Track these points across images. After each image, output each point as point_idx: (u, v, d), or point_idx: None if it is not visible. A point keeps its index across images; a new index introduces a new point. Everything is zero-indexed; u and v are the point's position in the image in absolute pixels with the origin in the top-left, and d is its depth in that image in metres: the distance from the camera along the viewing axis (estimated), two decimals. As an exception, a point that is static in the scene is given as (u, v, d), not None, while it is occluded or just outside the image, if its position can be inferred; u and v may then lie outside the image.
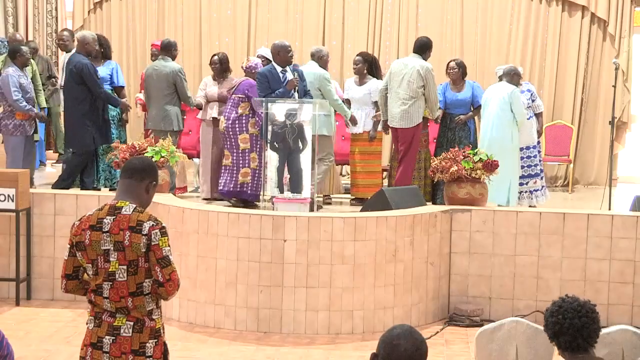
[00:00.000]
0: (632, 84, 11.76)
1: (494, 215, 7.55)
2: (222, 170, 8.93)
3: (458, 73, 9.36)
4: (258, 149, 8.81)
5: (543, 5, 11.93)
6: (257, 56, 9.73)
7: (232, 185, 8.75)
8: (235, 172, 8.80)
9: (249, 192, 8.78)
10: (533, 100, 9.58)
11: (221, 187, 8.84)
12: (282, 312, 6.94)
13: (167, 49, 9.21)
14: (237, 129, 8.81)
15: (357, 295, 6.97)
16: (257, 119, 8.79)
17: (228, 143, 8.84)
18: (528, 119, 9.37)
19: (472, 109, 9.40)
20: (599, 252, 7.41)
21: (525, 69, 11.39)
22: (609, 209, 8.47)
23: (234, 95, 8.89)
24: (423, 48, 8.84)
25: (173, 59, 9.19)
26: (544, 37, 11.94)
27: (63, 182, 8.74)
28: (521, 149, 9.23)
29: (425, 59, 8.80)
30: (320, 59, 9.20)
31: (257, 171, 8.77)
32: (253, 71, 8.99)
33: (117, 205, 3.80)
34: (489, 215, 7.55)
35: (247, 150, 8.80)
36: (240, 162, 8.81)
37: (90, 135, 8.72)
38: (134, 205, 3.80)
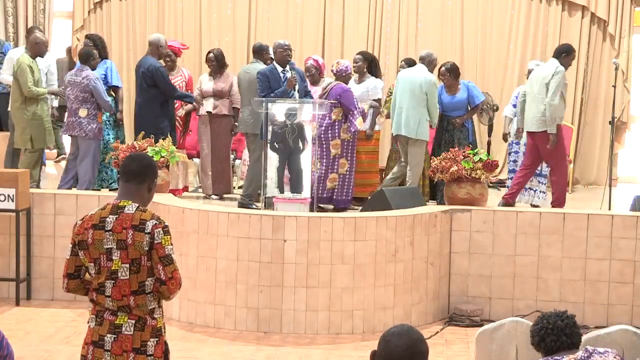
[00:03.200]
0: (632, 84, 11.76)
1: (494, 215, 7.55)
2: (312, 177, 8.90)
3: (450, 78, 9.33)
4: (349, 154, 8.81)
5: (543, 5, 11.93)
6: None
7: (320, 192, 8.74)
8: (323, 178, 8.79)
9: (337, 197, 8.80)
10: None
11: (339, 197, 8.84)
12: (282, 312, 6.94)
13: (259, 52, 9.17)
14: (330, 135, 8.79)
15: (357, 295, 6.97)
16: (349, 124, 8.78)
17: (319, 149, 8.75)
18: None
19: (469, 109, 9.38)
20: (599, 252, 7.41)
21: (525, 68, 11.37)
22: (609, 209, 8.47)
23: (326, 101, 8.85)
24: (560, 52, 8.60)
25: (265, 63, 9.12)
26: (544, 37, 11.94)
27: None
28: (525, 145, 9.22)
29: (563, 64, 8.50)
30: (430, 64, 9.05)
31: (345, 176, 8.77)
32: (344, 74, 8.96)
33: (119, 205, 3.81)
34: (489, 215, 7.55)
35: (337, 156, 8.80)
36: (330, 168, 8.80)
37: (163, 138, 8.70)
38: (137, 205, 3.81)
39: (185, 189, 9.47)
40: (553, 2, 11.88)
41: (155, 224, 3.77)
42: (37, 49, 9.10)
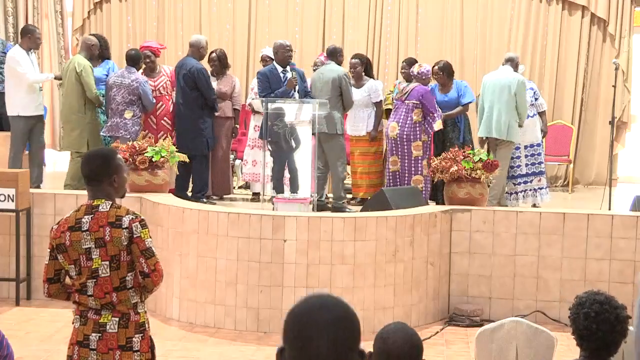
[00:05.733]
0: (632, 84, 11.75)
1: (494, 215, 7.55)
2: (388, 177, 8.89)
3: (443, 77, 9.33)
4: (426, 155, 8.81)
5: (543, 5, 11.92)
6: (262, 57, 9.73)
7: None
8: (406, 178, 8.77)
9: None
10: (536, 99, 9.58)
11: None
12: (282, 312, 6.93)
13: (333, 55, 9.12)
14: (412, 137, 8.76)
15: (357, 295, 6.97)
16: (427, 125, 8.79)
17: (399, 150, 8.74)
18: (532, 116, 9.37)
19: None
20: (599, 252, 7.41)
21: (525, 68, 11.37)
22: (609, 209, 8.46)
23: (407, 102, 8.81)
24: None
25: (339, 64, 9.08)
26: (544, 37, 11.93)
27: (200, 193, 8.76)
28: (525, 147, 9.26)
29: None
30: (518, 65, 9.10)
31: (428, 177, 8.76)
32: (424, 77, 8.94)
33: (93, 204, 3.83)
34: (489, 215, 7.55)
35: (419, 158, 8.79)
36: (413, 169, 8.79)
37: (205, 140, 8.67)
38: (110, 202, 3.83)
39: None
40: (553, 2, 11.87)
41: (132, 218, 3.80)
42: (92, 51, 9.15)
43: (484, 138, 9.01)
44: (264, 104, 8.27)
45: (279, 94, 8.44)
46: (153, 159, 7.75)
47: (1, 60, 10.66)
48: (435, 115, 8.80)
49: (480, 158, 7.73)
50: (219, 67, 9.45)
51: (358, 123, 9.41)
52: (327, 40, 12.30)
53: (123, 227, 3.77)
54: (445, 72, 9.29)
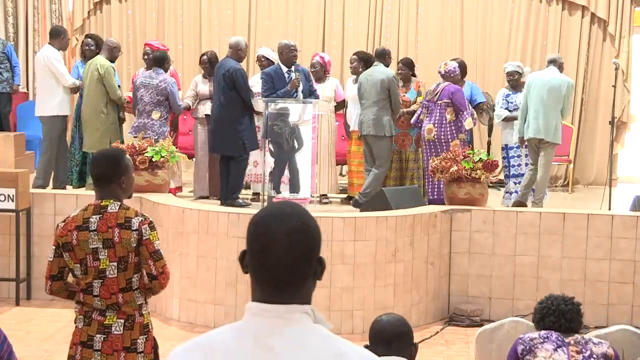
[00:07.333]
0: (632, 84, 11.76)
1: (494, 215, 7.55)
2: (427, 178, 8.83)
3: (457, 77, 9.33)
4: None
5: (543, 5, 11.93)
6: (257, 57, 9.73)
7: (436, 195, 8.76)
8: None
9: None
10: None
11: (431, 197, 8.82)
12: (282, 312, 6.93)
13: (382, 56, 9.11)
14: (449, 136, 8.74)
15: (357, 295, 6.97)
16: (459, 124, 8.79)
17: (438, 152, 8.65)
18: None
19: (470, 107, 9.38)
20: (599, 252, 7.41)
21: (530, 70, 11.37)
22: (609, 209, 8.47)
23: (438, 101, 8.80)
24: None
25: (387, 66, 9.08)
26: (544, 37, 11.94)
27: (234, 195, 8.73)
28: (526, 147, 9.20)
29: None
30: (562, 65, 9.06)
31: None
32: (451, 75, 8.92)
33: (102, 205, 3.83)
34: (489, 215, 7.54)
35: None
36: None
37: (241, 141, 8.65)
38: (119, 203, 3.84)
39: (179, 189, 9.46)
40: (553, 2, 11.87)
41: (141, 220, 3.81)
42: (114, 54, 9.20)
43: (529, 138, 8.85)
44: (264, 104, 8.26)
45: (281, 94, 8.44)
46: (153, 159, 7.75)
47: (1, 61, 10.67)
48: (465, 113, 8.78)
49: (480, 158, 7.72)
50: (209, 68, 9.49)
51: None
52: (327, 40, 12.31)
53: (132, 229, 3.77)
54: (460, 71, 9.28)
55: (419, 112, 9.08)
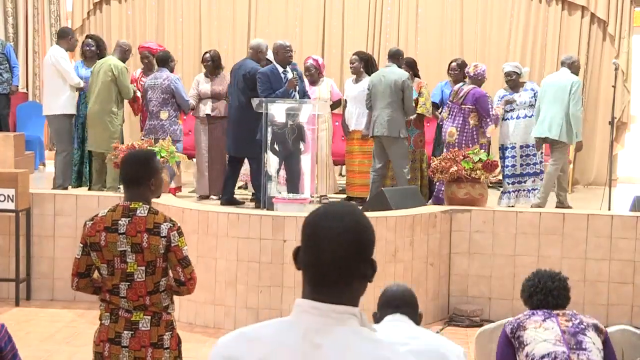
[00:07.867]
0: (632, 84, 11.76)
1: (494, 215, 7.55)
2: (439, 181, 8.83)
3: (460, 74, 9.33)
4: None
5: (543, 5, 11.93)
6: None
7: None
8: None
9: None
10: (536, 100, 9.55)
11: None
12: (282, 312, 6.93)
13: (395, 57, 9.11)
14: (470, 142, 8.73)
15: (357, 295, 6.96)
16: (483, 129, 8.80)
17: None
18: (530, 117, 9.33)
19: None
20: (599, 252, 7.41)
21: (530, 70, 11.37)
22: (609, 209, 8.47)
23: (462, 106, 8.78)
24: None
25: (400, 66, 9.06)
26: (544, 37, 11.94)
27: (258, 193, 8.70)
28: (521, 147, 9.17)
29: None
30: (572, 66, 9.05)
31: None
32: (479, 78, 8.91)
33: (130, 207, 3.83)
34: (489, 215, 7.54)
35: None
36: None
37: (259, 142, 8.65)
38: (148, 206, 3.84)
39: (178, 189, 9.46)
40: (553, 2, 11.88)
41: (170, 226, 3.83)
42: (126, 55, 9.31)
43: (543, 137, 8.88)
44: (262, 104, 8.25)
45: (279, 94, 8.44)
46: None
47: (0, 61, 10.67)
48: (489, 120, 8.79)
49: (480, 158, 7.72)
50: (212, 67, 9.53)
51: (362, 118, 9.37)
52: (326, 40, 12.31)
53: (161, 235, 3.79)
54: (462, 69, 9.26)
55: (443, 111, 9.14)
